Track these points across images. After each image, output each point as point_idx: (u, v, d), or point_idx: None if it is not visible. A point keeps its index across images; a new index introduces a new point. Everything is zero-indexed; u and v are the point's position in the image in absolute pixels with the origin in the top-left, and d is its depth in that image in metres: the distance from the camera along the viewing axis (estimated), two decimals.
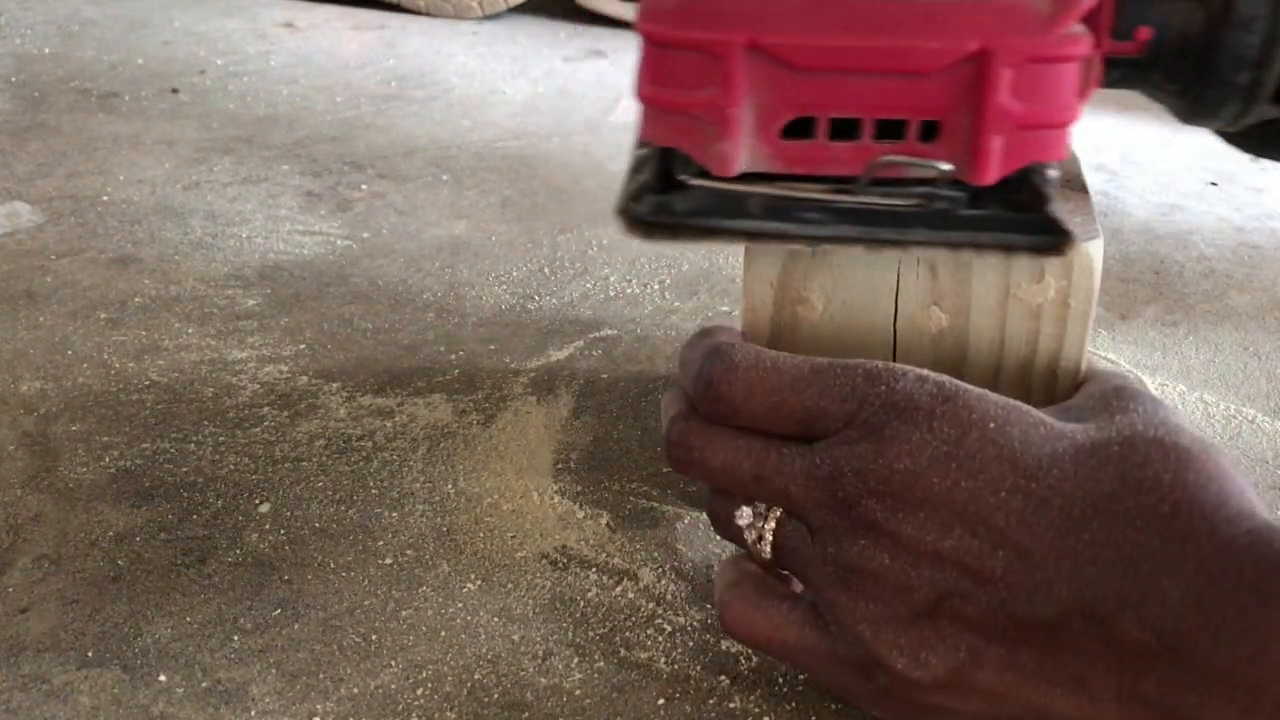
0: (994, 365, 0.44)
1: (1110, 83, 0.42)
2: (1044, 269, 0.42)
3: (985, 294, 0.43)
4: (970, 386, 0.37)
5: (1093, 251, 0.41)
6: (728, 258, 0.85)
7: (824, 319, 0.44)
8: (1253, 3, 0.38)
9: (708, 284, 0.81)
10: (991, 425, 0.35)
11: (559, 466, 0.59)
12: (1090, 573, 0.33)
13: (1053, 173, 0.39)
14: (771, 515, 0.40)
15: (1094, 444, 0.35)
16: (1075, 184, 0.45)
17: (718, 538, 0.53)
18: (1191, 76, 0.41)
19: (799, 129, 0.37)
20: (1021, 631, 0.34)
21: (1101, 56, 0.40)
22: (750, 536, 0.41)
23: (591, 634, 0.47)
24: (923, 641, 0.35)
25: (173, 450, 0.58)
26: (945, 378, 0.37)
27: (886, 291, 0.43)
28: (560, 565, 0.51)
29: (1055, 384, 0.44)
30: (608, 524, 0.54)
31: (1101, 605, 0.32)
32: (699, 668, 0.45)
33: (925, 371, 0.37)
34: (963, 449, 0.35)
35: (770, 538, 0.40)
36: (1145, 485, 0.33)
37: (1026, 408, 0.37)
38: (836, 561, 0.37)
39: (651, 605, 0.49)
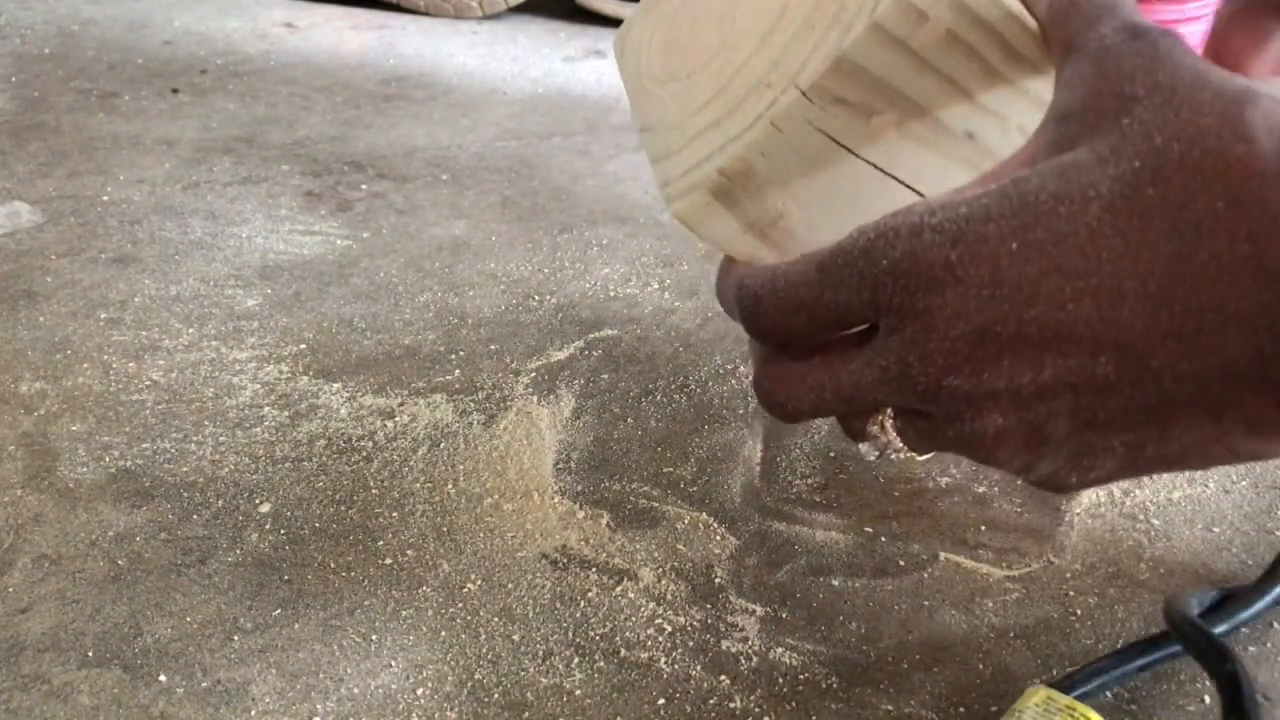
0: None
1: None
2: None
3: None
4: (967, 199, 0.33)
5: None
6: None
7: (804, 212, 0.41)
8: None
9: (707, 284, 0.81)
10: (1014, 245, 0.32)
11: (560, 466, 0.59)
12: (1205, 341, 0.30)
13: None
14: (887, 427, 0.38)
15: (1128, 199, 0.31)
16: None
17: (718, 538, 0.53)
18: None
19: None
20: (1169, 410, 0.32)
21: None
22: (890, 454, 0.39)
23: (592, 634, 0.47)
24: (1082, 465, 0.34)
25: (173, 450, 0.58)
26: (938, 203, 0.33)
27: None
28: (561, 565, 0.51)
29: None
30: (608, 524, 0.54)
31: (1235, 362, 0.30)
32: (699, 668, 0.45)
33: (917, 209, 0.34)
34: (1002, 284, 0.32)
35: (900, 445, 0.38)
36: (1205, 227, 0.30)
37: (1035, 190, 0.32)
38: (964, 441, 0.35)
39: (651, 605, 0.49)
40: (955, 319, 0.33)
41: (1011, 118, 0.38)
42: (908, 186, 0.41)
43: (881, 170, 0.40)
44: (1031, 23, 0.37)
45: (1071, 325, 0.32)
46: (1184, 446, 0.33)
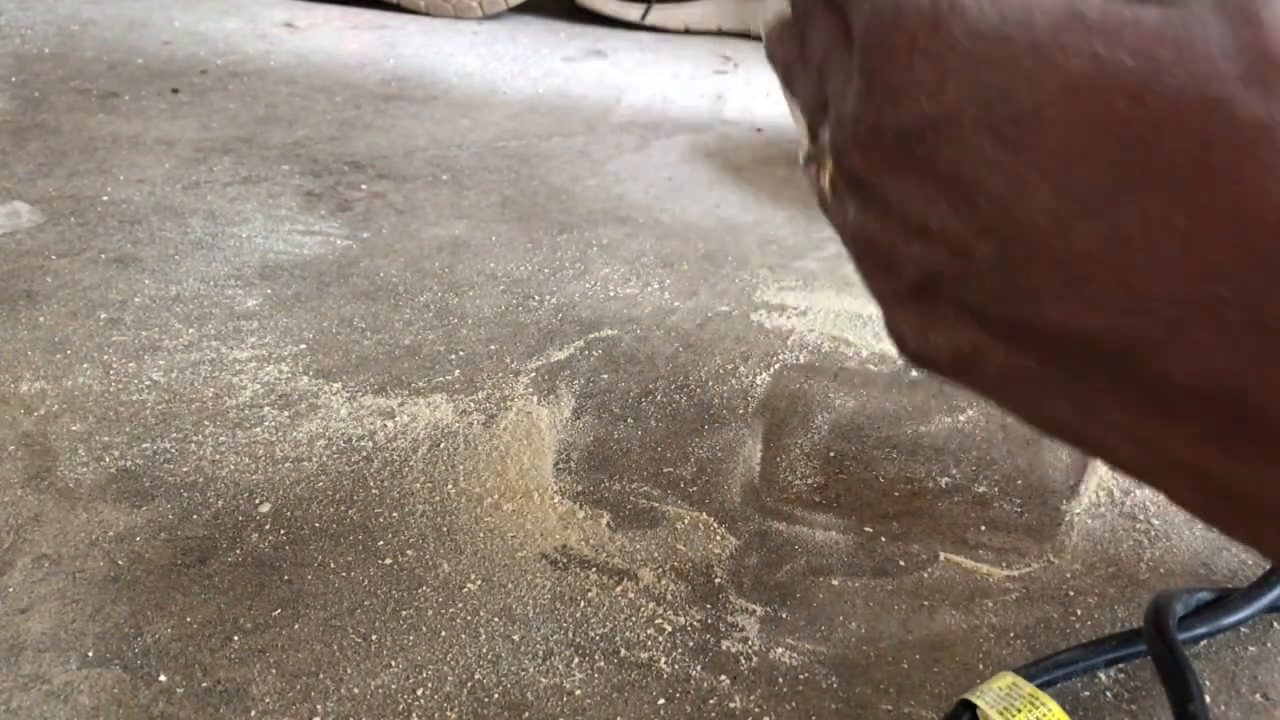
0: None
1: None
2: None
3: None
4: None
5: None
6: (728, 256, 0.85)
7: None
8: None
9: (708, 284, 0.81)
10: (982, 65, 0.25)
11: (560, 466, 0.59)
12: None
13: None
14: (824, 168, 0.32)
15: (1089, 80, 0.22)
16: None
17: (718, 538, 0.53)
18: None
19: None
20: (1025, 337, 0.26)
21: None
22: (813, 174, 0.34)
23: (592, 634, 0.47)
24: (926, 322, 0.29)
25: (173, 450, 0.58)
26: None
27: None
28: (561, 565, 0.51)
29: None
30: (608, 524, 0.54)
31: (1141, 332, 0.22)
32: (699, 668, 0.45)
33: None
34: (943, 104, 0.26)
35: (826, 191, 0.33)
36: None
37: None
38: (844, 229, 0.31)
39: (651, 605, 0.49)
40: (890, 102, 0.27)
41: None
42: None
43: None
44: None
45: (974, 190, 0.26)
46: (1017, 385, 0.27)
